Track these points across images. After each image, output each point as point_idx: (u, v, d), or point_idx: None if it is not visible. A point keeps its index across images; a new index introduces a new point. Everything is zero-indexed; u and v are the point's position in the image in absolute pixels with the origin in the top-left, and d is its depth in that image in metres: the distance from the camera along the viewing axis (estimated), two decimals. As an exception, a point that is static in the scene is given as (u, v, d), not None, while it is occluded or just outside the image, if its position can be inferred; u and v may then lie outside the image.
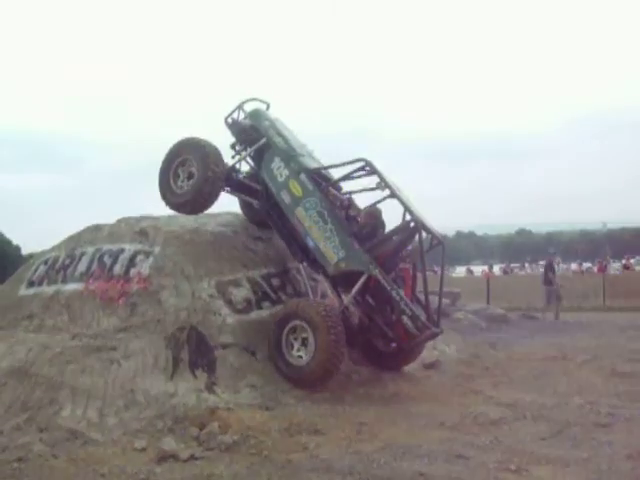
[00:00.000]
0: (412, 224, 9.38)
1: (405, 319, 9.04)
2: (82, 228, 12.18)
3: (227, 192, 10.89)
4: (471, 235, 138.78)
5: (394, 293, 8.97)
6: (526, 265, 70.73)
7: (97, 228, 12.11)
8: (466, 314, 17.54)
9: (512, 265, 58.65)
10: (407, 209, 9.44)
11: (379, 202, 10.07)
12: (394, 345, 9.63)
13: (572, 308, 22.77)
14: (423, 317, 9.09)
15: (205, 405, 7.84)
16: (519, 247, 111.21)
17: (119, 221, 11.82)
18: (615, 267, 43.68)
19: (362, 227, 9.67)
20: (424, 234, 9.47)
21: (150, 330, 9.06)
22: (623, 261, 43.53)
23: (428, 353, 11.05)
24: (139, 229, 10.91)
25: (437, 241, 9.84)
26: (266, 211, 10.53)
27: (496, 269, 43.67)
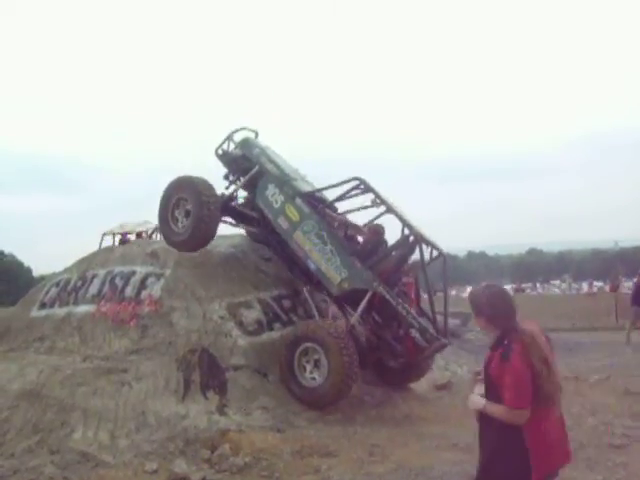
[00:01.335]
0: (411, 238, 9.37)
1: (414, 332, 9.04)
2: (94, 250, 12.27)
3: (228, 223, 11.03)
4: (482, 255, 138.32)
5: (400, 308, 8.97)
6: (537, 285, 70.47)
7: (109, 250, 12.17)
8: (477, 334, 17.45)
9: (523, 285, 58.40)
10: (405, 223, 9.45)
11: (377, 218, 10.16)
12: (403, 360, 9.59)
13: (584, 328, 22.63)
14: (431, 329, 9.09)
15: (216, 427, 7.83)
16: (530, 267, 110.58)
17: (132, 243, 11.86)
18: (627, 286, 43.39)
19: (365, 244, 9.68)
20: (425, 248, 9.48)
21: (161, 352, 9.06)
22: (635, 280, 43.23)
23: (440, 374, 10.99)
24: (150, 251, 10.96)
25: (438, 253, 9.81)
26: (265, 238, 10.62)
27: (507, 289, 43.41)
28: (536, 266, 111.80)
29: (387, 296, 9.02)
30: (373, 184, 9.58)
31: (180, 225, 10.31)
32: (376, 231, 9.97)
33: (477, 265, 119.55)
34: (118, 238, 19.40)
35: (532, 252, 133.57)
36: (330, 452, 7.26)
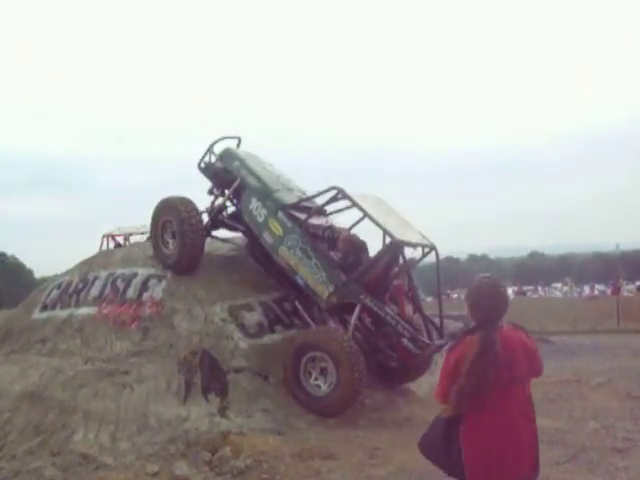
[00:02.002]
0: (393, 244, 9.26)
1: (405, 341, 9.02)
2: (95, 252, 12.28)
3: (216, 238, 11.28)
4: (484, 259, 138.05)
5: (389, 318, 8.94)
6: (539, 288, 70.40)
7: (110, 252, 12.17)
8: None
9: (525, 288, 58.31)
10: (384, 231, 9.29)
11: (356, 225, 10.24)
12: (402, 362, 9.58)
13: (586, 331, 22.59)
14: (423, 333, 9.05)
15: (217, 429, 7.81)
16: (532, 270, 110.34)
17: (132, 245, 11.88)
18: (629, 289, 43.40)
19: (345, 256, 9.61)
20: (411, 250, 9.46)
21: (163, 354, 9.07)
22: (637, 283, 43.22)
23: (442, 377, 10.96)
24: (152, 253, 10.95)
25: (429, 248, 9.73)
26: (251, 251, 10.67)
27: (509, 292, 43.46)
28: (538, 269, 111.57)
29: (374, 308, 9.00)
30: (351, 191, 9.50)
31: (171, 247, 10.40)
32: (350, 241, 9.84)
33: (479, 268, 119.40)
34: (113, 243, 19.25)
35: (534, 255, 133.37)
36: (331, 455, 7.25)
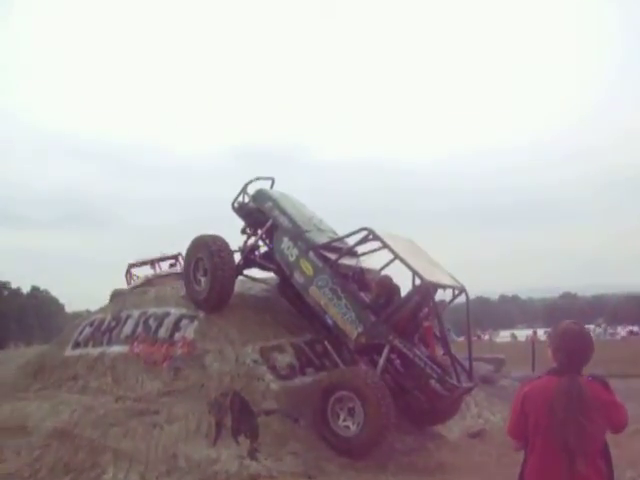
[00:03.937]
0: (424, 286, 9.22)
1: (433, 383, 8.96)
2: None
3: (248, 277, 11.43)
4: (515, 299, 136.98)
5: (417, 360, 8.90)
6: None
7: (143, 291, 12.26)
8: (512, 381, 17.22)
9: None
10: (415, 272, 9.31)
11: (387, 266, 10.24)
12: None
13: (620, 374, 22.21)
14: (452, 375, 8.98)
15: (247, 472, 7.76)
16: (564, 311, 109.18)
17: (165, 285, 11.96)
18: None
19: (377, 297, 9.64)
20: (441, 291, 9.46)
21: (193, 395, 9.06)
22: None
23: (473, 422, 10.81)
24: (184, 293, 11.02)
25: (459, 290, 9.74)
26: (282, 291, 10.76)
27: (541, 333, 42.97)
28: (570, 310, 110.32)
29: (403, 349, 8.99)
30: (381, 232, 9.62)
31: (203, 284, 10.48)
32: (384, 283, 9.89)
33: (510, 308, 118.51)
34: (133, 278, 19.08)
35: (566, 296, 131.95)
36: (361, 500, 7.17)
